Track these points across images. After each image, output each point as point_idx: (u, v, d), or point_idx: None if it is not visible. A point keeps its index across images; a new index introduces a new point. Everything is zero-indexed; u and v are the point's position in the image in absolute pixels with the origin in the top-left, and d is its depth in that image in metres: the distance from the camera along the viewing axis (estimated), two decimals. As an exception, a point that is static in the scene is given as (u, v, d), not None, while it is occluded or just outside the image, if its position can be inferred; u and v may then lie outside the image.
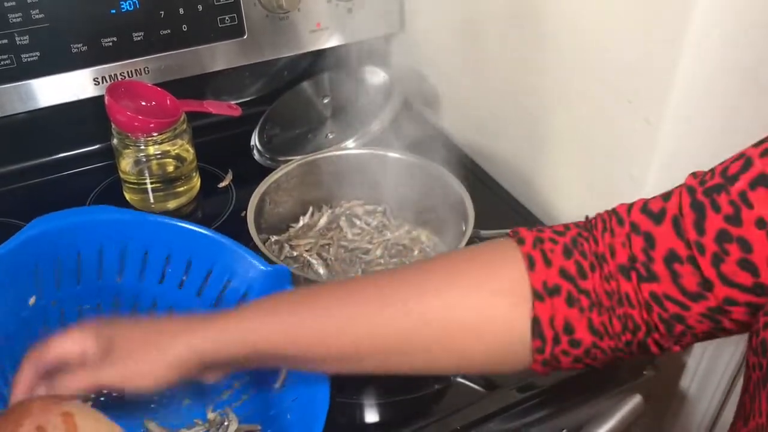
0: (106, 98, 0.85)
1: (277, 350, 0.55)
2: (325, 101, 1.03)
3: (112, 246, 0.67)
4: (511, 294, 0.52)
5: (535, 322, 0.52)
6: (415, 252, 0.83)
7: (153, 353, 0.55)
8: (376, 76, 1.02)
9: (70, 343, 0.55)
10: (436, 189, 0.82)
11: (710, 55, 0.69)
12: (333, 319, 0.55)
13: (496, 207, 0.94)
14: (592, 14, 0.77)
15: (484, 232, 0.74)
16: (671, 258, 0.48)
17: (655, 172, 0.76)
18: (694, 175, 0.51)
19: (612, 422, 0.75)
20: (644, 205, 0.52)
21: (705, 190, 0.48)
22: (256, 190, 0.79)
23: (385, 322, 0.54)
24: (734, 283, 0.46)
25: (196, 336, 0.55)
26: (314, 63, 1.06)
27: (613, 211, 0.54)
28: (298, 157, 0.85)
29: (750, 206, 0.45)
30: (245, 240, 0.75)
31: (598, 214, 0.55)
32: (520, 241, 0.54)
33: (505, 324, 0.53)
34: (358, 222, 0.86)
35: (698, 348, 0.84)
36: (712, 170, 0.49)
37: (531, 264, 0.52)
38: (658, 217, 0.50)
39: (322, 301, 0.56)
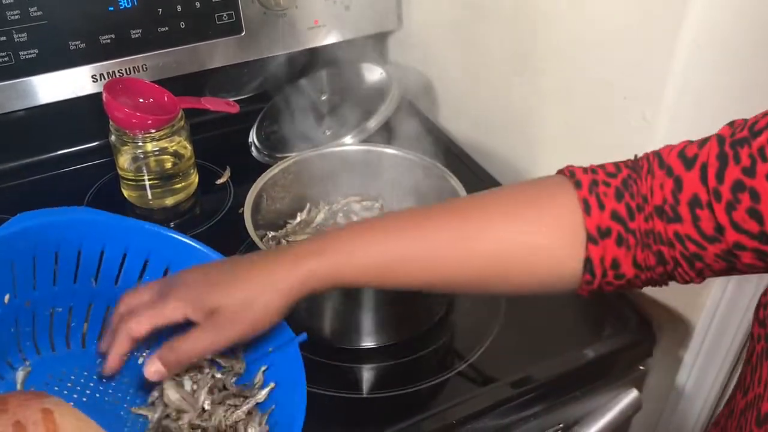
0: (104, 95, 0.85)
1: (359, 280, 0.59)
2: (323, 98, 1.03)
3: (91, 248, 0.65)
4: (567, 236, 0.57)
5: (588, 262, 0.56)
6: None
7: (267, 290, 0.57)
8: (373, 73, 1.02)
9: (174, 313, 0.58)
10: (432, 185, 0.82)
11: (707, 51, 0.69)
12: (408, 252, 0.59)
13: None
14: (589, 11, 0.77)
15: None
16: (694, 202, 0.52)
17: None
18: (730, 124, 0.54)
19: (608, 417, 0.76)
20: (682, 150, 0.55)
21: (731, 142, 0.51)
22: (253, 187, 0.79)
23: (449, 254, 0.58)
24: (743, 229, 0.50)
25: (284, 275, 0.57)
26: (312, 60, 1.06)
27: (657, 153, 0.57)
28: (295, 154, 0.86)
29: (765, 160, 0.49)
30: (243, 236, 0.75)
31: (645, 154, 0.58)
32: (577, 185, 0.58)
33: (559, 263, 0.57)
34: (355, 218, 0.86)
35: (695, 343, 0.84)
36: (744, 121, 0.52)
37: (587, 208, 0.56)
38: (690, 163, 0.54)
39: (396, 231, 0.60)
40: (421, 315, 0.77)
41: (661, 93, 0.72)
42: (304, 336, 0.63)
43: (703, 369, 0.88)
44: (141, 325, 0.58)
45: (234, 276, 0.59)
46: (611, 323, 0.79)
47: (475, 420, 0.69)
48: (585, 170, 0.59)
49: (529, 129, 0.92)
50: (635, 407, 0.77)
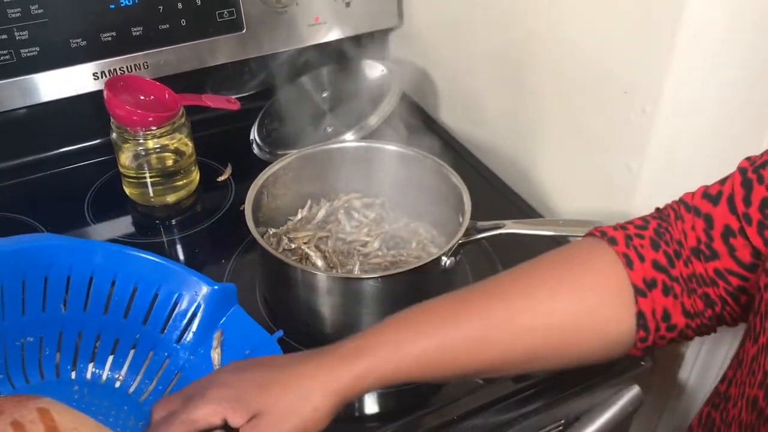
0: (105, 93, 0.85)
1: (409, 376, 0.56)
2: (324, 95, 1.03)
3: (57, 274, 0.64)
4: (616, 295, 0.56)
5: (640, 316, 0.55)
6: (413, 244, 0.83)
7: (316, 394, 0.54)
8: (374, 70, 1.02)
9: (212, 416, 0.53)
10: (433, 181, 0.82)
11: (707, 44, 0.69)
12: (455, 341, 0.56)
13: (493, 198, 0.94)
14: (589, 5, 0.77)
15: (480, 224, 0.74)
16: (727, 234, 0.52)
17: (652, 162, 0.76)
18: (747, 158, 0.54)
19: (610, 413, 0.75)
20: (705, 191, 0.56)
21: (754, 168, 0.52)
22: (254, 183, 0.79)
23: (497, 337, 0.56)
24: None
25: (332, 377, 0.54)
26: (313, 57, 1.06)
27: (680, 200, 0.58)
28: (296, 150, 0.86)
29: None
30: (244, 234, 0.75)
31: (667, 205, 0.59)
32: (612, 241, 0.57)
33: (611, 324, 0.56)
34: (356, 215, 0.86)
35: (696, 339, 0.84)
36: (763, 152, 0.53)
37: (629, 263, 0.56)
38: (715, 199, 0.54)
39: (439, 320, 0.57)
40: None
41: (660, 87, 0.72)
42: (279, 333, 0.62)
43: (705, 364, 0.88)
44: (168, 407, 0.55)
45: (279, 376, 0.55)
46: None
47: (475, 416, 0.69)
48: (615, 228, 0.59)
49: (531, 124, 0.92)
50: (637, 403, 0.76)
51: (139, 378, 0.66)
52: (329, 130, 0.96)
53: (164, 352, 0.66)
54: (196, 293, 0.65)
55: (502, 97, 0.96)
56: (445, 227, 0.82)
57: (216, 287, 0.65)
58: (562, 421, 0.75)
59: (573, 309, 0.56)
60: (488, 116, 1.00)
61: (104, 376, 0.66)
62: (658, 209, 0.60)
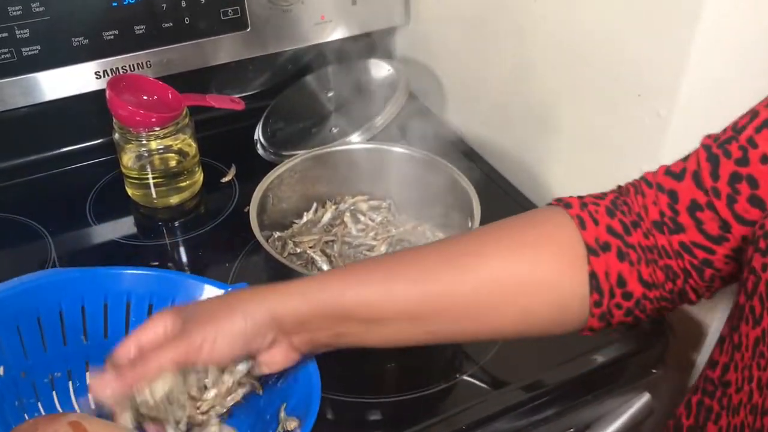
0: (107, 92, 0.84)
1: (351, 312, 0.56)
2: (330, 95, 1.01)
3: (71, 307, 0.64)
4: (568, 253, 0.56)
5: (593, 277, 0.55)
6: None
7: (233, 317, 0.54)
8: (380, 70, 1.00)
9: (153, 325, 0.55)
10: (441, 184, 0.80)
11: (723, 46, 0.67)
12: (401, 283, 0.57)
13: (502, 201, 0.93)
14: (602, 4, 0.75)
15: None
16: (693, 207, 0.53)
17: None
18: (708, 135, 0.55)
19: (620, 421, 0.74)
20: (667, 169, 0.57)
21: (718, 144, 0.53)
22: (258, 187, 0.78)
23: (451, 284, 0.56)
24: (747, 220, 0.51)
25: (276, 299, 0.55)
26: (318, 56, 1.05)
27: (641, 178, 0.59)
28: (302, 152, 0.84)
29: (756, 146, 0.50)
30: (248, 236, 0.74)
31: (628, 183, 0.59)
32: (567, 205, 0.58)
33: (565, 281, 0.56)
34: (362, 218, 0.85)
35: (709, 345, 0.83)
36: (724, 129, 0.54)
37: (581, 223, 0.56)
38: (679, 176, 0.55)
39: (389, 267, 0.58)
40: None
41: (676, 89, 0.70)
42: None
43: None
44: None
45: (225, 301, 0.57)
46: (623, 326, 0.77)
47: (485, 425, 0.68)
48: (571, 197, 0.60)
49: (541, 126, 0.91)
50: (647, 412, 0.75)
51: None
52: (334, 131, 0.95)
53: None
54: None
55: (512, 97, 0.94)
56: (453, 230, 0.81)
57: (229, 290, 0.64)
58: (572, 430, 0.75)
59: (524, 265, 0.57)
60: (497, 116, 0.99)
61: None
62: (618, 186, 0.60)
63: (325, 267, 0.77)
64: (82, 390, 0.64)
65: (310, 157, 0.83)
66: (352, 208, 0.86)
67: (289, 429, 0.57)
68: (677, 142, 0.72)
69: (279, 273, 0.73)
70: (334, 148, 0.85)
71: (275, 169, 0.80)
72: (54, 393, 0.64)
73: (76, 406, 0.64)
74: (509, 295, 0.56)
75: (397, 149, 0.84)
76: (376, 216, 0.85)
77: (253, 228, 0.73)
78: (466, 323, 0.58)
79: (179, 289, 0.65)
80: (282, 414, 0.59)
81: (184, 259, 0.87)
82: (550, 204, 0.61)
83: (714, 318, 0.81)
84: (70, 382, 0.65)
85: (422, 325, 0.57)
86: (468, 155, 1.00)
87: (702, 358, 0.86)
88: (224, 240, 0.88)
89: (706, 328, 0.81)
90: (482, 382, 0.72)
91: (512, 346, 0.74)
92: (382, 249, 0.80)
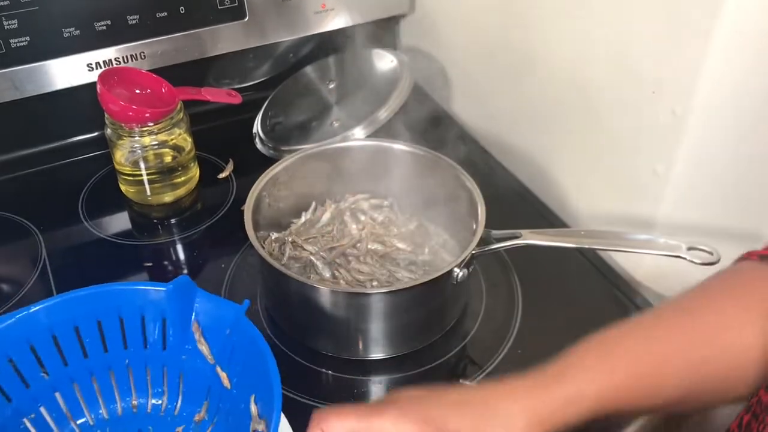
0: (98, 87, 0.81)
1: (610, 403, 0.50)
2: (331, 87, 0.98)
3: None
4: None
5: None
6: (425, 250, 0.78)
7: (513, 418, 0.48)
8: (384, 60, 0.97)
9: (390, 425, 0.48)
10: (445, 183, 0.77)
11: (742, 43, 0.64)
12: (670, 379, 0.52)
13: (508, 199, 0.90)
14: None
15: (495, 233, 0.69)
16: None
17: (681, 166, 0.71)
18: None
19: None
20: None
21: None
22: (254, 187, 0.74)
23: (695, 355, 0.52)
24: None
25: (536, 400, 0.48)
26: (319, 46, 1.02)
27: None
28: (299, 149, 0.81)
29: None
30: (245, 234, 0.70)
31: None
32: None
33: None
34: (362, 217, 0.82)
35: None
36: None
37: None
38: None
39: (640, 342, 0.53)
40: (432, 324, 0.72)
41: (693, 86, 0.66)
42: (246, 303, 0.60)
43: None
44: (341, 418, 0.48)
45: (475, 394, 0.50)
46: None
47: None
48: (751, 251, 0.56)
49: (549, 121, 0.87)
50: (656, 424, 0.72)
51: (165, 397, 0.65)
52: (336, 124, 0.92)
53: (158, 364, 0.64)
54: (157, 301, 0.62)
55: (520, 90, 0.91)
56: (457, 230, 0.78)
57: (171, 286, 0.62)
58: None
59: (755, 330, 0.52)
60: (504, 111, 0.95)
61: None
62: None
63: (326, 274, 0.74)
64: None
65: (308, 155, 0.80)
66: (352, 206, 0.82)
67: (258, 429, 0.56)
68: (693, 141, 0.69)
69: (274, 278, 0.70)
70: (332, 146, 0.82)
71: (271, 167, 0.77)
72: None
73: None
74: (740, 366, 0.53)
75: (400, 147, 0.80)
76: (377, 215, 0.82)
77: (247, 231, 0.69)
78: (695, 396, 0.54)
79: (126, 299, 0.62)
80: (252, 406, 0.57)
81: (182, 257, 0.85)
82: (743, 258, 0.57)
83: None
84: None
85: (668, 402, 0.54)
86: (473, 150, 0.97)
87: None
88: (221, 238, 0.85)
89: None
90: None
91: (518, 351, 0.71)
92: (379, 248, 0.77)
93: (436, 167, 0.78)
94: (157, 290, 0.62)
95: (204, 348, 0.62)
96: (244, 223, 0.70)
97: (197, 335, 0.63)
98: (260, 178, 0.75)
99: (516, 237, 0.68)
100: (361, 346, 0.70)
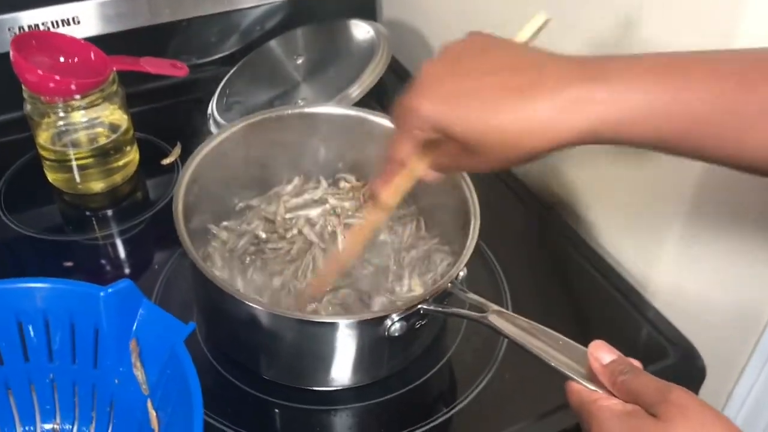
0: (12, 53, 0.70)
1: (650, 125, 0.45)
2: (298, 62, 0.89)
3: None
4: None
5: None
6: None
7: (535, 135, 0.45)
8: (358, 31, 0.89)
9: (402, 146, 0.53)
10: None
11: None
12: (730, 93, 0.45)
13: (499, 190, 0.80)
14: None
15: (466, 295, 0.56)
16: None
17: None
18: None
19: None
20: None
21: None
22: (186, 165, 0.63)
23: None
24: None
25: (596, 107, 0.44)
26: (286, 16, 0.94)
27: None
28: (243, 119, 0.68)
29: None
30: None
31: None
32: None
33: None
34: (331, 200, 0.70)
35: (748, 378, 0.71)
36: None
37: None
38: None
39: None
40: (405, 348, 0.60)
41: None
42: (191, 326, 0.52)
43: (756, 404, 0.74)
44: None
45: (511, 87, 0.46)
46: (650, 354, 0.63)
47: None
48: None
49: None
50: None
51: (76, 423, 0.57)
52: (302, 103, 0.83)
53: (88, 383, 0.56)
54: (90, 307, 0.54)
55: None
56: (444, 216, 0.66)
57: (110, 290, 0.53)
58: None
59: None
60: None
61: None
62: None
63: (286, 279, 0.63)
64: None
65: (252, 124, 0.67)
66: (313, 188, 0.72)
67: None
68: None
69: (203, 285, 0.58)
70: (291, 111, 0.70)
71: (207, 140, 0.66)
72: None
73: None
74: None
75: (374, 118, 0.69)
76: (345, 204, 0.71)
77: (176, 226, 0.58)
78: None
79: (55, 298, 0.54)
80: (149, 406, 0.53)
81: (121, 254, 0.75)
82: None
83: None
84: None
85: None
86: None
87: (742, 389, 0.73)
88: (159, 234, 0.75)
89: (745, 355, 0.70)
90: (461, 426, 0.59)
91: (500, 382, 0.61)
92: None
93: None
94: (90, 293, 0.53)
95: (140, 374, 0.53)
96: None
97: (134, 356, 0.53)
98: (191, 157, 0.64)
99: (484, 310, 0.52)
100: (318, 375, 0.60)
